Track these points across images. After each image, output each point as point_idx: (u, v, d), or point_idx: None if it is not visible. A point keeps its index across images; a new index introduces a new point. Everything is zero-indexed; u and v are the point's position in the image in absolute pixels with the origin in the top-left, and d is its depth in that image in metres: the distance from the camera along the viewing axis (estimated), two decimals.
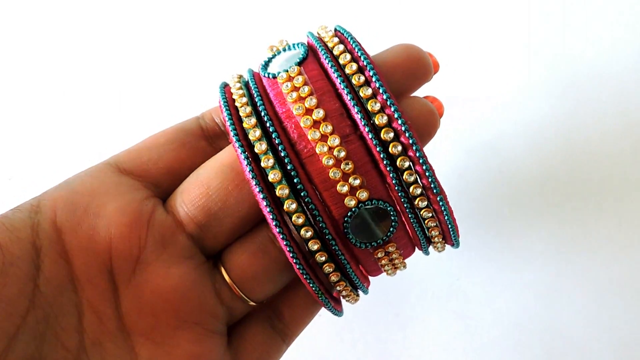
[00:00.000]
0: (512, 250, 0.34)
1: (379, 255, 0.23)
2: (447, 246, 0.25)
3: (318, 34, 0.26)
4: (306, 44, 0.26)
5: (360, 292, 0.25)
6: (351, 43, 0.23)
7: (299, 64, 0.23)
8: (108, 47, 0.40)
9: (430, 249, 0.25)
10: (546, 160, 0.34)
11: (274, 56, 0.25)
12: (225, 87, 0.25)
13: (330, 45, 0.24)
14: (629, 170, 0.34)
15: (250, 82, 0.24)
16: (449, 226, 0.23)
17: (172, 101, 0.39)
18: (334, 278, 0.23)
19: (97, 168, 0.24)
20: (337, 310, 0.24)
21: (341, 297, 0.25)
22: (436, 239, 0.24)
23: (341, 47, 0.23)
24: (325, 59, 0.22)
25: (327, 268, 0.22)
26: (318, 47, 0.23)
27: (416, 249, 0.25)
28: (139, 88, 0.39)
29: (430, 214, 0.22)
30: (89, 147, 0.37)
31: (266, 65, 0.24)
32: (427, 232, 0.23)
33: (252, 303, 0.24)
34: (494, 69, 0.37)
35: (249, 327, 0.25)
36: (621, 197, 0.33)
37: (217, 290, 0.23)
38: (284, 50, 0.25)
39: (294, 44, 0.25)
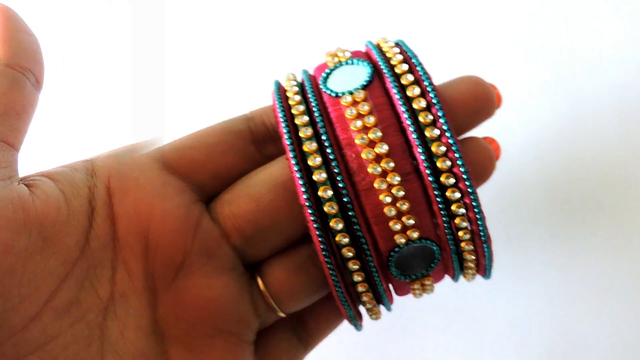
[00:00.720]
0: (513, 250, 0.34)
1: (415, 286, 0.23)
2: None
3: (379, 46, 0.25)
4: (365, 53, 0.25)
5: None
6: (419, 71, 0.22)
7: (365, 87, 0.22)
8: (104, 42, 0.39)
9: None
10: (548, 161, 0.34)
11: (335, 67, 0.24)
12: (280, 90, 0.24)
13: (393, 62, 0.23)
14: (632, 172, 0.33)
15: (308, 92, 0.23)
16: (487, 265, 0.23)
17: (167, 94, 0.37)
18: (365, 298, 0.23)
19: (141, 161, 0.23)
20: (361, 325, 0.25)
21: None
22: (470, 271, 0.24)
23: (407, 70, 0.22)
24: (392, 87, 0.22)
25: (360, 288, 0.22)
26: (384, 69, 0.22)
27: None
28: (142, 83, 0.38)
29: (473, 257, 0.23)
30: (90, 145, 0.36)
31: (326, 78, 0.24)
32: (463, 264, 0.24)
33: (282, 314, 0.24)
34: (495, 71, 0.36)
35: (275, 335, 0.25)
36: (623, 199, 0.33)
37: (253, 302, 0.23)
38: (346, 63, 0.24)
39: (357, 60, 0.24)
